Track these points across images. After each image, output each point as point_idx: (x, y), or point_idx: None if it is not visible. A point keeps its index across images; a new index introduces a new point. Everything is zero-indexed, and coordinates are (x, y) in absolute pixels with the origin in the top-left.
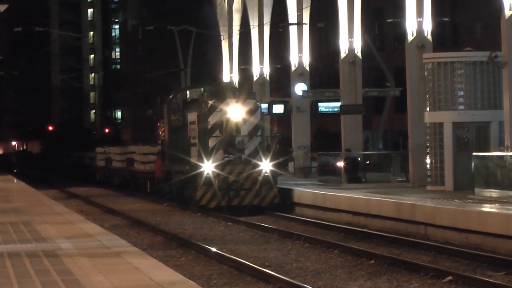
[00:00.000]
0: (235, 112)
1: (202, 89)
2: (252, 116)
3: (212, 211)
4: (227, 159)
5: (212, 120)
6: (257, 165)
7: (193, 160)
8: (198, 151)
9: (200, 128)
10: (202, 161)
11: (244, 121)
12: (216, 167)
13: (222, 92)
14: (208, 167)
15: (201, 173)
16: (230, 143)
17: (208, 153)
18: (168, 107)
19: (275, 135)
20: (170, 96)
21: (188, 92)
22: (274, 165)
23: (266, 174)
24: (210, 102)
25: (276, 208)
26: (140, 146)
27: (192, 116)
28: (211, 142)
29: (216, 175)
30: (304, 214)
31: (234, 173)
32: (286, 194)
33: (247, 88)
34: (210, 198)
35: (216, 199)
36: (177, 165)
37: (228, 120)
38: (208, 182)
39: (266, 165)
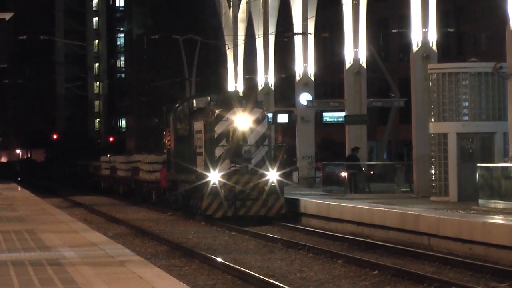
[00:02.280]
0: (242, 121)
1: (209, 98)
2: (259, 125)
3: (216, 221)
4: (233, 168)
5: (218, 129)
6: (264, 175)
7: (199, 169)
8: (204, 160)
9: (207, 137)
10: (209, 171)
11: (251, 130)
12: (223, 176)
13: (228, 101)
14: (214, 176)
15: (207, 183)
16: (237, 153)
17: (215, 162)
18: (174, 116)
19: (282, 145)
20: (176, 105)
21: (194, 101)
22: (281, 175)
23: (273, 184)
24: (217, 111)
25: (283, 219)
26: (145, 155)
27: (198, 125)
28: (218, 152)
29: (223, 185)
30: (308, 224)
31: (241, 183)
32: (292, 204)
33: (253, 97)
34: (216, 208)
35: (222, 209)
36: (183, 175)
37: (234, 129)
38: (215, 191)
39: (273, 175)
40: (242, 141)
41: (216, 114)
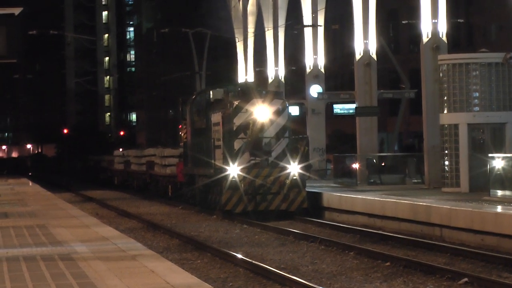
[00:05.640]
0: (262, 112)
1: (227, 89)
2: (279, 117)
3: (232, 215)
4: (253, 161)
5: (237, 121)
6: (284, 168)
7: (218, 163)
8: (223, 153)
9: (225, 130)
10: (227, 164)
11: (271, 122)
12: (242, 170)
13: (247, 92)
14: (233, 170)
15: (226, 177)
16: (257, 145)
17: (234, 155)
18: (191, 108)
19: (304, 137)
20: (193, 97)
21: (211, 92)
22: (302, 168)
23: (294, 178)
24: (236, 103)
25: (305, 213)
26: (161, 148)
27: (216, 117)
28: (237, 144)
29: (242, 179)
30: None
31: (261, 177)
32: (314, 198)
33: (272, 87)
34: (236, 202)
35: (242, 203)
36: (201, 168)
37: (254, 121)
38: (234, 186)
39: (294, 168)
40: (262, 133)
41: (234, 105)
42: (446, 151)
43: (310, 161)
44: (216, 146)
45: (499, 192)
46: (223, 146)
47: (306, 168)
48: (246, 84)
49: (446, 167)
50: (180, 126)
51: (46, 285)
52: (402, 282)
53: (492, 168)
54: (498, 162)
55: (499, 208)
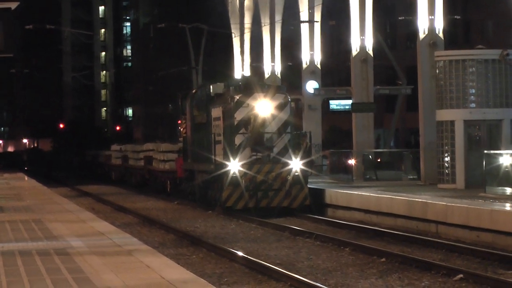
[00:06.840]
0: (263, 107)
1: (227, 83)
2: (281, 112)
3: (226, 210)
4: (254, 157)
5: (238, 116)
6: (286, 164)
7: (218, 158)
8: (224, 149)
9: (226, 125)
10: (228, 160)
11: (273, 117)
12: (243, 166)
13: (249, 86)
14: (234, 166)
15: (227, 173)
16: (258, 141)
17: (235, 151)
18: (191, 102)
19: (306, 132)
20: (193, 91)
21: (212, 86)
22: (304, 164)
23: (297, 174)
24: (237, 97)
25: (307, 210)
26: (159, 143)
27: (216, 112)
28: (238, 140)
29: (243, 175)
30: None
31: (262, 173)
32: (317, 194)
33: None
34: (237, 199)
35: (243, 200)
36: (201, 164)
37: (255, 116)
38: (235, 182)
39: (296, 164)
40: (264, 128)
41: (235, 100)
42: (443, 148)
43: (313, 157)
44: (216, 141)
45: (495, 189)
46: (224, 141)
47: (308, 164)
48: (247, 78)
49: (444, 163)
50: (180, 121)
51: (42, 280)
52: (398, 278)
53: (488, 165)
54: (494, 158)
55: (494, 205)
